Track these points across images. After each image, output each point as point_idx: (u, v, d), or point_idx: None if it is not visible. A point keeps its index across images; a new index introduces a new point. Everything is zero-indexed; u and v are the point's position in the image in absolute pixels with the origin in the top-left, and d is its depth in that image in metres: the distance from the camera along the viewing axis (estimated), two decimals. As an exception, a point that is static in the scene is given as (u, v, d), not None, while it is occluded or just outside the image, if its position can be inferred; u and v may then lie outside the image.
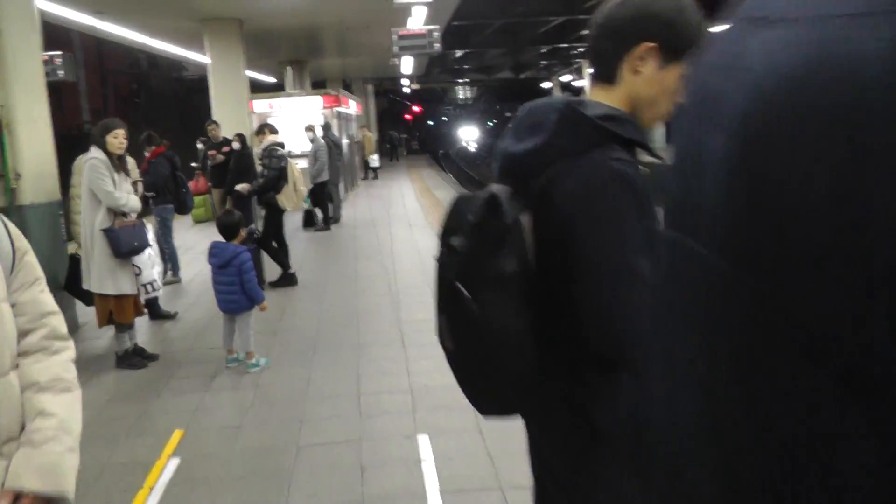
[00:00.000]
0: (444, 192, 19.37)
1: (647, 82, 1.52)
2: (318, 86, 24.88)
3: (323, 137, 13.35)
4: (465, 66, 41.41)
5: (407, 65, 26.45)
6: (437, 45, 11.23)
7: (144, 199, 8.48)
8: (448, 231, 1.53)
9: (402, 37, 11.15)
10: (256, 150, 8.03)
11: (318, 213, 12.91)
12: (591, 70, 1.67)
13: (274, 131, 8.02)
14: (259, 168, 8.15)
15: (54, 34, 13.45)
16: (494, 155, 1.67)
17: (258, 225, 8.01)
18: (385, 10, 13.35)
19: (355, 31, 16.79)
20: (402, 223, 13.01)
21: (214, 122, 12.41)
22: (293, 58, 21.57)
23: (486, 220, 1.42)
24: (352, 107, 20.04)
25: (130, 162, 6.80)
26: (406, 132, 48.46)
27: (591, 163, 1.42)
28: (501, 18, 23.55)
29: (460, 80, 49.21)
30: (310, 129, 13.04)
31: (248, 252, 5.13)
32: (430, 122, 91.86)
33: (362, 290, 7.79)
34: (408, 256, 9.60)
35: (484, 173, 42.31)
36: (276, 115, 16.81)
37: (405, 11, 13.07)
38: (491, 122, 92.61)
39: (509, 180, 1.51)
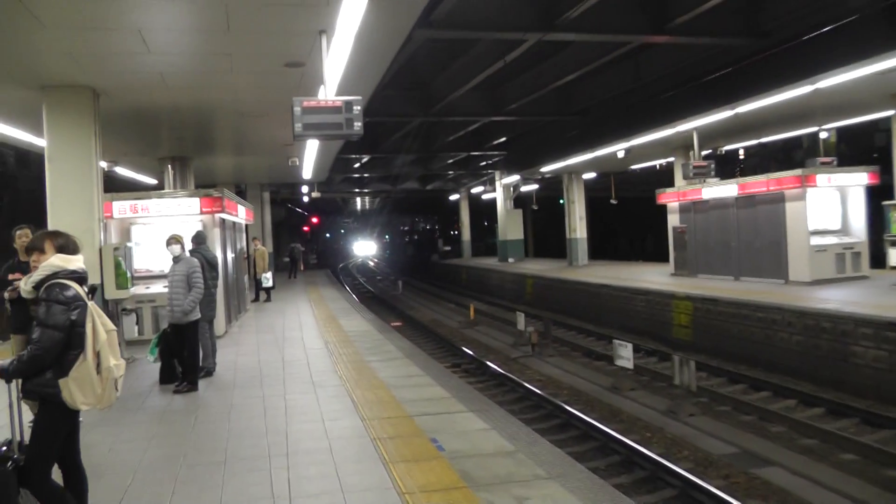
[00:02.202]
0: (352, 319, 15.58)
1: None
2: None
3: (193, 252, 9.49)
4: (370, 175, 38.36)
5: (308, 168, 23.01)
6: (358, 126, 7.79)
7: None
8: None
9: (307, 110, 7.63)
10: (23, 286, 4.10)
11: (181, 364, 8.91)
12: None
13: (66, 248, 4.16)
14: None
15: None
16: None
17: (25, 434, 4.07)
18: (289, 75, 9.92)
19: (250, 117, 13.21)
20: (303, 379, 9.07)
21: (24, 227, 8.29)
22: (175, 153, 17.74)
23: None
24: (240, 213, 16.21)
25: None
26: (303, 245, 44.58)
27: None
28: (419, 116, 20.59)
29: (364, 191, 46.10)
30: (174, 240, 9.14)
31: None
32: (329, 235, 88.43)
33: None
34: (315, 465, 5.67)
35: (386, 289, 38.86)
36: (142, 222, 12.89)
37: (315, 80, 9.65)
38: (389, 235, 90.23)
39: None
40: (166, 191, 14.86)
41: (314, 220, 63.23)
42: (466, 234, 48.39)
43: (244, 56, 9.10)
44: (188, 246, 9.55)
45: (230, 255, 15.06)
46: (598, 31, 13.03)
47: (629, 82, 18.14)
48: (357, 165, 32.64)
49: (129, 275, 10.66)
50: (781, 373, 13.25)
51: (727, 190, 19.34)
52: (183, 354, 8.80)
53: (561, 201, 48.44)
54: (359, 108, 7.97)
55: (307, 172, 24.61)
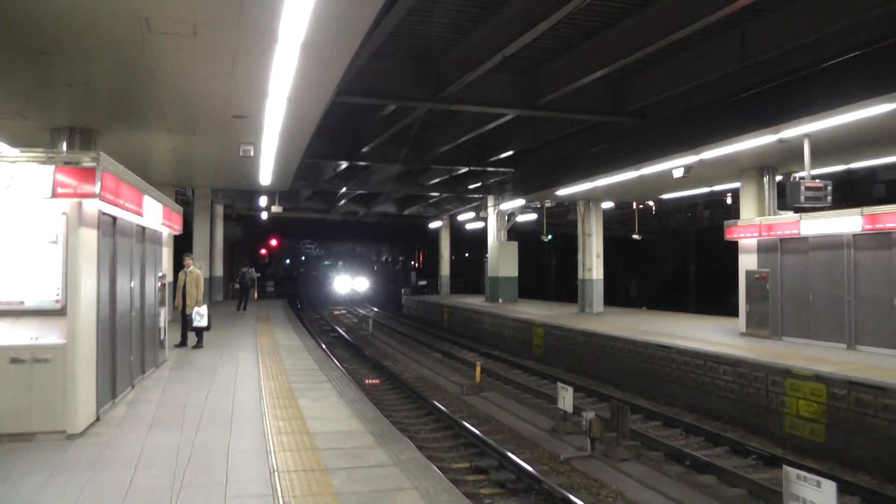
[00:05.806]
0: (323, 398, 9.78)
1: None
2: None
3: None
4: (343, 192, 32.48)
5: (266, 169, 17.28)
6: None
7: None
8: None
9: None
10: None
11: None
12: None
13: None
14: None
15: None
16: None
17: None
18: None
19: (167, 35, 7.46)
20: None
21: None
22: (75, 122, 12.09)
23: None
24: (150, 211, 10.21)
25: None
26: (260, 270, 38.39)
27: None
28: (424, 101, 14.99)
29: (337, 204, 40.20)
30: None
31: None
32: (288, 261, 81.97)
33: None
34: None
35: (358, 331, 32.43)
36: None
37: None
38: (356, 268, 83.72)
39: None
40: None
41: (273, 241, 57.02)
42: (446, 268, 42.71)
43: None
44: None
45: (126, 284, 9.17)
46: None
47: (726, 65, 12.77)
48: (331, 176, 26.83)
49: None
50: None
51: (844, 224, 14.03)
52: None
53: (549, 237, 43.07)
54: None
55: (266, 176, 18.85)
